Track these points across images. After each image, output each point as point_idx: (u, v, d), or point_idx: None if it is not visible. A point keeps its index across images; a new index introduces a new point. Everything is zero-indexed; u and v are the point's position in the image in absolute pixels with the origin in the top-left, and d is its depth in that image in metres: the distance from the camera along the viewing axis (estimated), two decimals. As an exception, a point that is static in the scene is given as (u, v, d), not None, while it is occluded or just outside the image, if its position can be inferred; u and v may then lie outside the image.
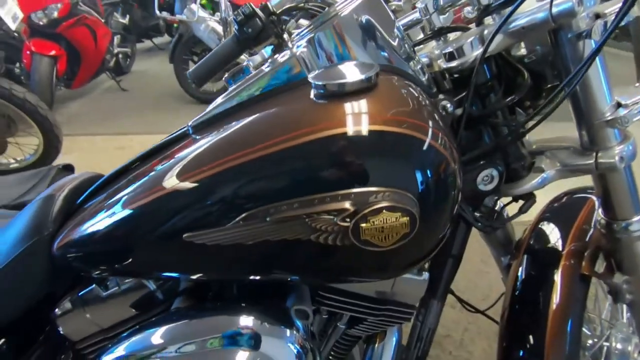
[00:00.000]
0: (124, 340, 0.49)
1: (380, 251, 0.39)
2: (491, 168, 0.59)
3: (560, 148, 0.62)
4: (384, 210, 0.37)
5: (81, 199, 0.56)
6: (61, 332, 0.57)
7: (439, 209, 0.41)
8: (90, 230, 0.48)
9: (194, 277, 0.48)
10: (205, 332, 0.47)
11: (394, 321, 0.61)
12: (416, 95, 0.44)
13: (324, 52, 0.48)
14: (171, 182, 0.42)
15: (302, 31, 0.52)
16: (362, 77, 0.39)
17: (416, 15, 0.64)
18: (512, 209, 0.66)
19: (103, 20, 3.72)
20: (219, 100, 0.50)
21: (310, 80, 0.41)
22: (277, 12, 0.72)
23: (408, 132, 0.38)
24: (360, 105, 0.39)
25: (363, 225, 0.37)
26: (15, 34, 3.06)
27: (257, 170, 0.39)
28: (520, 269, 0.77)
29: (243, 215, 0.39)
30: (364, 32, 0.49)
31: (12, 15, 2.18)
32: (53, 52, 3.13)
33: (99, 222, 0.47)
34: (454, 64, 0.56)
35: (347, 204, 0.37)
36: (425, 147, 0.39)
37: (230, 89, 0.51)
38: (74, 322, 0.56)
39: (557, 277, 0.72)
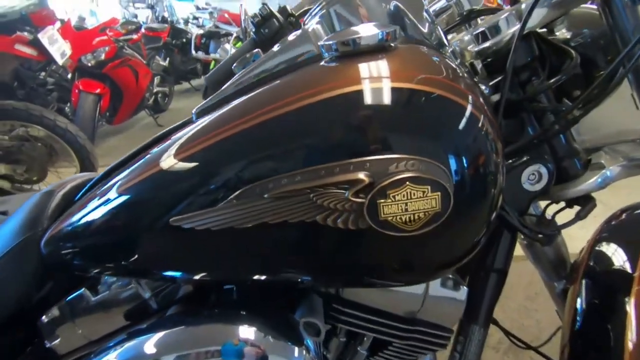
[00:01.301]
0: (110, 349, 0.43)
1: (404, 238, 0.31)
2: (538, 164, 0.50)
3: (621, 142, 0.53)
4: (407, 183, 0.30)
5: (78, 195, 0.52)
6: (47, 344, 0.51)
7: (477, 190, 0.33)
8: (76, 222, 0.43)
9: (187, 275, 0.42)
10: (199, 343, 0.39)
11: (426, 348, 0.51)
12: (451, 63, 0.37)
13: (339, 27, 0.43)
14: (161, 161, 0.37)
15: (314, 8, 0.48)
16: (379, 32, 0.33)
17: (443, 1, 0.59)
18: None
19: (145, 62, 4.01)
20: (226, 85, 0.46)
21: (320, 45, 0.36)
22: (296, 14, 0.70)
23: (442, 92, 0.31)
24: (380, 64, 0.33)
25: (381, 201, 0.30)
26: (68, 77, 3.35)
27: (252, 139, 0.33)
28: (580, 296, 0.64)
29: (236, 192, 0.32)
30: (388, 13, 0.44)
31: (60, 52, 2.38)
32: (98, 90, 3.38)
33: (87, 214, 0.43)
34: (487, 44, 0.49)
35: (360, 175, 0.30)
36: (462, 113, 0.32)
37: (238, 74, 0.47)
38: (61, 332, 0.50)
39: (631, 307, 0.59)
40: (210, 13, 5.02)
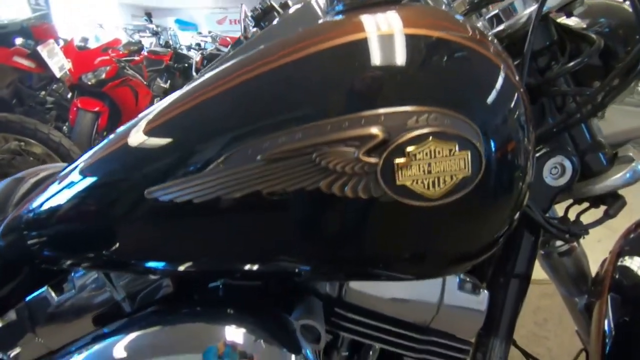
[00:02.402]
0: (71, 353, 0.36)
1: (424, 210, 0.26)
2: (561, 156, 0.46)
3: None
4: (430, 138, 0.25)
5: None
6: (1, 356, 0.44)
7: (508, 159, 0.28)
8: (38, 208, 0.38)
9: (166, 265, 0.35)
10: (176, 347, 0.32)
11: (441, 363, 0.44)
12: (476, 25, 0.33)
13: None
14: (136, 129, 0.32)
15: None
16: None
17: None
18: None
19: (146, 84, 4.05)
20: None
21: (322, 3, 0.32)
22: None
23: (472, 45, 0.27)
24: (396, 12, 0.28)
25: (399, 161, 0.25)
26: (68, 97, 3.36)
27: (245, 92, 0.28)
28: (608, 313, 0.58)
29: (224, 155, 0.27)
30: None
31: (59, 66, 2.39)
32: (97, 109, 3.38)
33: (49, 197, 0.37)
34: (502, 26, 0.46)
35: (373, 129, 0.25)
36: (491, 67, 0.28)
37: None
38: (18, 340, 0.43)
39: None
40: (213, 37, 5.14)
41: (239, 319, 0.34)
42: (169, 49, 5.18)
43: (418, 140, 0.25)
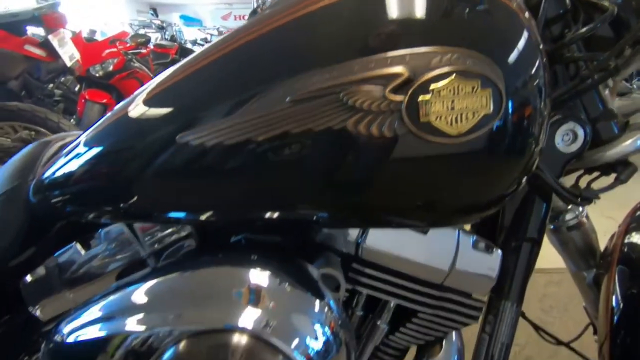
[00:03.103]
0: (95, 302, 0.37)
1: (446, 148, 0.27)
2: (573, 123, 0.46)
3: None
4: (454, 76, 0.26)
5: None
6: (30, 310, 0.45)
7: (528, 102, 0.29)
8: (69, 161, 0.39)
9: (192, 213, 0.37)
10: (201, 290, 0.34)
11: (454, 321, 0.45)
12: None
13: None
14: (166, 77, 0.33)
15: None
16: None
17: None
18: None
19: (152, 76, 4.07)
20: None
21: None
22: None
23: None
24: None
25: (424, 98, 0.26)
26: (76, 89, 3.39)
27: (275, 37, 0.29)
28: (617, 286, 0.59)
29: (256, 97, 0.28)
30: None
31: (69, 55, 2.41)
32: (104, 101, 3.41)
33: (81, 152, 0.39)
34: None
35: (399, 68, 0.26)
36: (511, 14, 0.28)
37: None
38: (46, 294, 0.45)
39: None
40: (219, 31, 5.15)
41: (263, 265, 0.35)
42: (175, 43, 5.19)
43: (442, 78, 0.26)
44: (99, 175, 0.39)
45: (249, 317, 0.33)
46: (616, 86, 0.54)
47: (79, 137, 0.46)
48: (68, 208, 0.41)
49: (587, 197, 0.47)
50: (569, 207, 0.65)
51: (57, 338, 0.37)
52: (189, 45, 5.56)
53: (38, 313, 0.45)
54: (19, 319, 0.47)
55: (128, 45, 3.64)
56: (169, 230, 0.42)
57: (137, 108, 0.34)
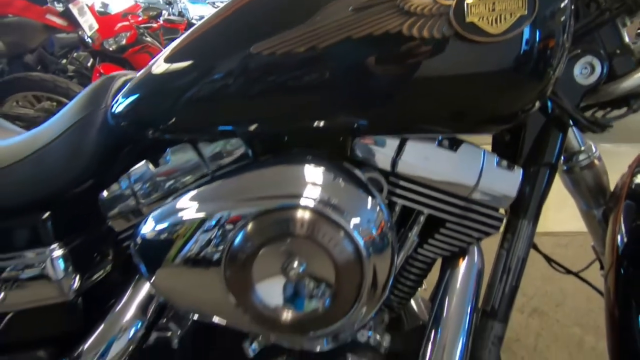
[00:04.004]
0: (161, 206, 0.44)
1: (486, 45, 0.32)
2: (590, 56, 0.51)
3: None
4: None
5: None
6: (107, 222, 0.52)
7: (556, 13, 0.34)
8: (146, 78, 0.45)
9: (257, 124, 0.43)
10: (264, 179, 0.40)
11: (479, 231, 0.51)
12: None
13: None
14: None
15: None
16: None
17: None
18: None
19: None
20: None
21: None
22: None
23: None
24: None
25: (469, 1, 0.31)
26: (89, 65, 3.44)
27: None
28: (623, 218, 0.63)
29: (320, 9, 0.34)
30: None
31: (89, 25, 2.46)
32: (118, 74, 3.44)
33: (158, 69, 0.44)
34: None
35: None
36: None
37: None
38: (121, 206, 0.52)
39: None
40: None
41: (318, 163, 0.41)
42: (184, 19, 5.17)
43: None
44: (170, 93, 0.44)
45: (312, 195, 0.39)
46: (635, 25, 0.57)
47: (148, 64, 0.52)
48: (138, 129, 0.47)
49: (602, 123, 0.52)
50: (583, 148, 0.69)
51: (146, 230, 0.44)
52: (196, 22, 5.54)
53: (114, 223, 0.52)
54: (97, 231, 0.54)
55: (140, 19, 3.64)
56: (229, 148, 0.48)
57: (210, 28, 0.40)
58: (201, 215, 0.41)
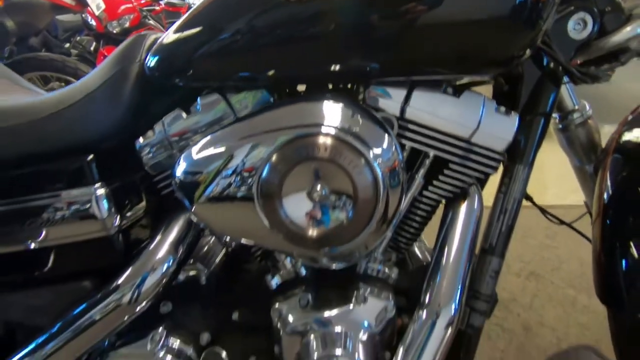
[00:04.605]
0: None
1: None
2: (583, 12, 0.55)
3: None
4: None
5: None
6: (143, 166, 0.58)
7: None
8: (176, 34, 0.51)
9: (282, 69, 0.48)
10: (288, 113, 0.46)
11: (479, 171, 0.57)
12: None
13: None
14: None
15: None
16: None
17: None
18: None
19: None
20: None
21: None
22: None
23: None
24: None
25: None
26: (91, 49, 3.47)
27: None
28: (610, 171, 0.68)
29: None
30: None
31: (96, 4, 2.48)
32: (122, 57, 3.45)
33: (185, 26, 0.50)
34: None
35: None
36: None
37: None
38: (157, 151, 0.57)
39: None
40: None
41: (337, 101, 0.47)
42: (186, 2, 5.13)
43: None
44: (197, 45, 0.50)
45: (334, 122, 0.45)
46: None
47: (176, 23, 0.57)
48: (171, 79, 0.52)
49: (594, 75, 0.57)
50: (577, 107, 0.74)
51: (180, 169, 0.51)
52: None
53: (151, 167, 0.58)
54: (134, 174, 0.60)
55: (143, 1, 3.64)
56: (254, 97, 0.53)
57: None
58: (231, 147, 0.47)
